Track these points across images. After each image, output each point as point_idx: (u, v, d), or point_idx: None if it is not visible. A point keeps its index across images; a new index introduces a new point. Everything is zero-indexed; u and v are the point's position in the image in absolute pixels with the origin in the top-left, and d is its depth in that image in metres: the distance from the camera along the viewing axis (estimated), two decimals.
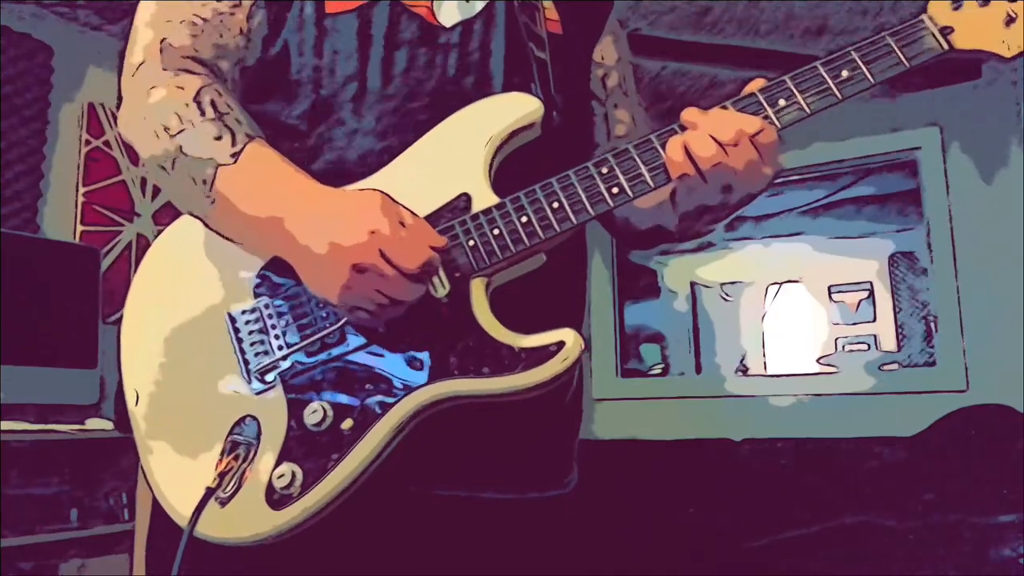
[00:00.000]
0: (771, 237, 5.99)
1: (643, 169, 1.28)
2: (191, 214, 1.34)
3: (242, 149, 1.26)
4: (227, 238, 1.32)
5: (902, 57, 1.26)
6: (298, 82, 1.39)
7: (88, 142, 4.48)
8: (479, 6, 1.45)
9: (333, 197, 1.24)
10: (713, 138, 1.23)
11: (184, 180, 1.28)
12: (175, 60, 1.35)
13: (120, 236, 4.53)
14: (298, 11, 1.41)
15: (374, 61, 1.38)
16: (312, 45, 1.40)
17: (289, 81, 1.40)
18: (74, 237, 4.38)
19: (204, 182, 1.26)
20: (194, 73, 1.34)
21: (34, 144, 4.28)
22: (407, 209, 1.23)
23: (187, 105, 1.29)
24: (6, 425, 3.55)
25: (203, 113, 1.29)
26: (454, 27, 1.42)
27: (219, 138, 1.27)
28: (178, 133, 1.28)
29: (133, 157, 4.50)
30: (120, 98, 1.38)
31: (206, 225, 1.33)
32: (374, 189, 1.23)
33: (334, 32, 1.40)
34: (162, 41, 1.36)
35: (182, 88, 1.31)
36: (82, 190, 4.44)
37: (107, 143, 4.53)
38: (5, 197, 4.12)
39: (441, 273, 1.24)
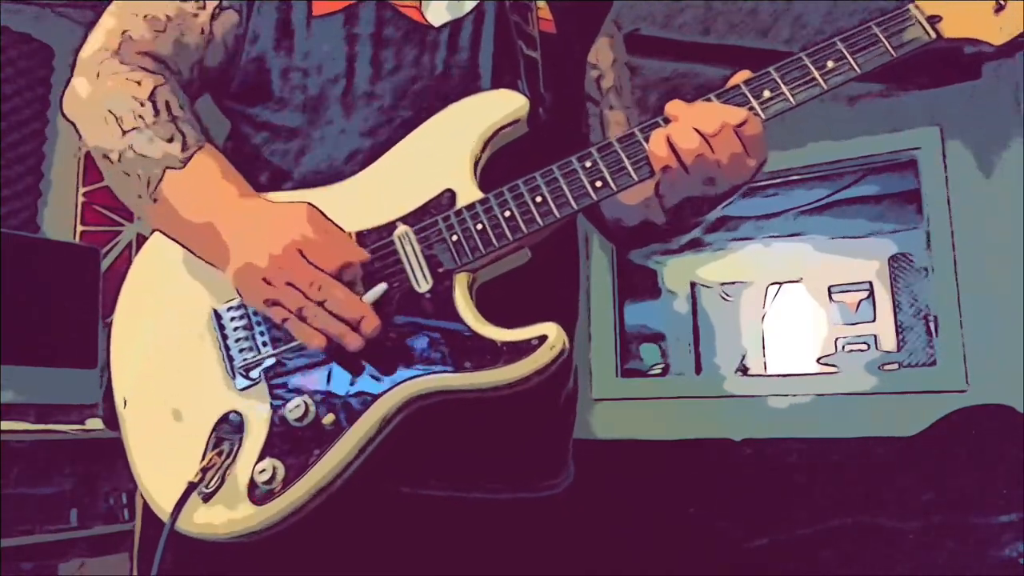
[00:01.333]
0: (771, 237, 5.97)
1: (627, 163, 1.27)
2: (127, 205, 1.37)
3: (192, 155, 1.29)
4: (172, 239, 1.35)
5: (888, 47, 1.25)
6: (286, 83, 1.41)
7: None
8: (469, 6, 1.45)
9: (262, 210, 1.27)
10: (696, 130, 1.23)
11: (130, 176, 1.31)
12: (132, 55, 1.37)
13: (120, 236, 4.54)
14: (284, 13, 1.42)
15: (362, 61, 1.39)
16: (299, 46, 1.41)
17: (277, 82, 1.41)
18: (74, 237, 4.39)
19: (150, 182, 1.29)
20: (150, 71, 1.36)
21: (34, 144, 4.29)
22: (335, 224, 1.25)
23: (142, 104, 1.31)
24: (6, 425, 3.55)
25: (157, 113, 1.31)
26: (442, 27, 1.42)
27: (171, 140, 1.30)
28: (131, 130, 1.30)
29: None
30: (71, 76, 1.40)
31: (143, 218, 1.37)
32: (303, 202, 1.26)
33: (321, 32, 1.41)
34: (123, 32, 1.38)
35: (138, 84, 1.33)
36: (82, 190, 4.45)
37: None
38: (5, 197, 4.13)
39: (424, 268, 1.25)
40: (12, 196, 4.17)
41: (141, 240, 4.47)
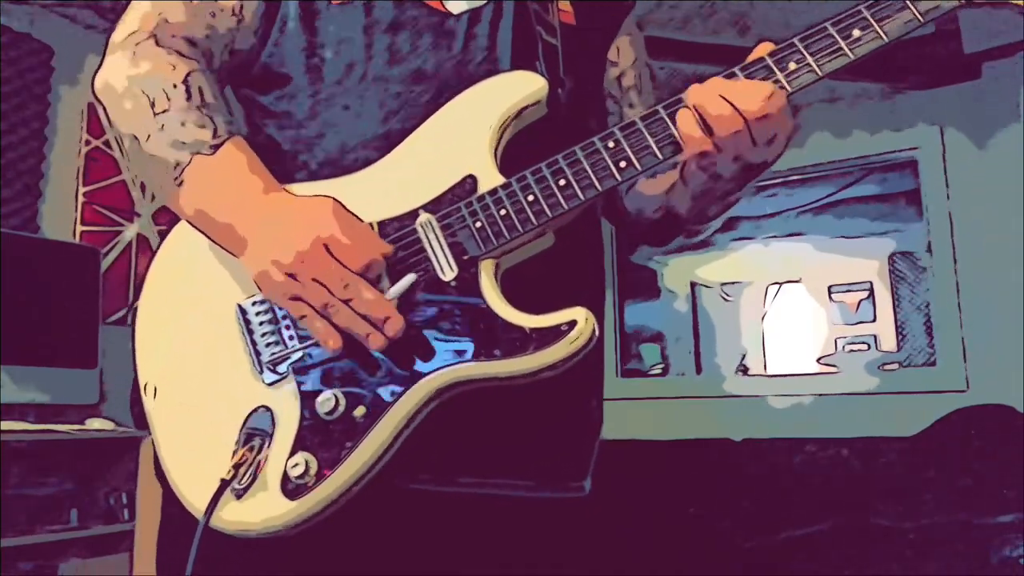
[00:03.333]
0: (771, 237, 5.98)
1: (651, 142, 1.25)
2: (150, 188, 1.37)
3: (222, 143, 1.29)
4: (188, 220, 1.34)
5: (916, 12, 1.20)
6: (303, 70, 1.40)
7: (88, 142, 4.48)
8: None
9: (287, 204, 1.26)
10: (732, 105, 1.21)
11: (156, 158, 1.30)
12: (169, 38, 1.37)
13: (120, 236, 4.53)
14: (304, 0, 1.42)
15: (379, 47, 1.38)
16: (317, 33, 1.41)
17: (294, 69, 1.41)
18: (74, 237, 4.38)
19: (177, 165, 1.28)
20: (185, 56, 1.35)
21: (34, 144, 4.28)
22: (357, 218, 1.24)
23: (175, 86, 1.31)
24: (6, 425, 3.54)
25: (189, 97, 1.31)
26: (461, 14, 1.42)
27: (203, 126, 1.29)
28: (162, 112, 1.29)
29: (95, 127, 4.50)
30: (103, 58, 1.39)
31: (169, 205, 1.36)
32: (327, 196, 1.25)
33: (339, 19, 1.40)
34: (159, 15, 1.38)
35: (173, 68, 1.33)
36: (82, 190, 4.44)
37: (107, 143, 4.52)
38: (5, 197, 4.12)
39: (449, 256, 1.24)
40: (12, 196, 4.16)
41: (141, 240, 4.52)
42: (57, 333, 4.04)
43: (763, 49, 1.26)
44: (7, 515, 3.53)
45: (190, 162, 1.28)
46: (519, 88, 1.31)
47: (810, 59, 1.23)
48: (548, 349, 1.18)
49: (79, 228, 4.41)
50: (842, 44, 1.22)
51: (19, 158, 4.21)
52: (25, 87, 4.27)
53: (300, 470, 1.18)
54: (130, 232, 4.56)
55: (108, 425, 3.91)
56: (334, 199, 1.25)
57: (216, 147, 1.28)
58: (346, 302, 1.19)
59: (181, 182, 1.29)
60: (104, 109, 1.37)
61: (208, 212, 1.29)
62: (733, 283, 6.16)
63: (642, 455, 4.74)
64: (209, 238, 1.31)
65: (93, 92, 1.39)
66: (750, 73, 1.24)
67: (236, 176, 1.29)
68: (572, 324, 1.19)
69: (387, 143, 1.34)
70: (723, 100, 1.22)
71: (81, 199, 4.43)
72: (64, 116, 4.42)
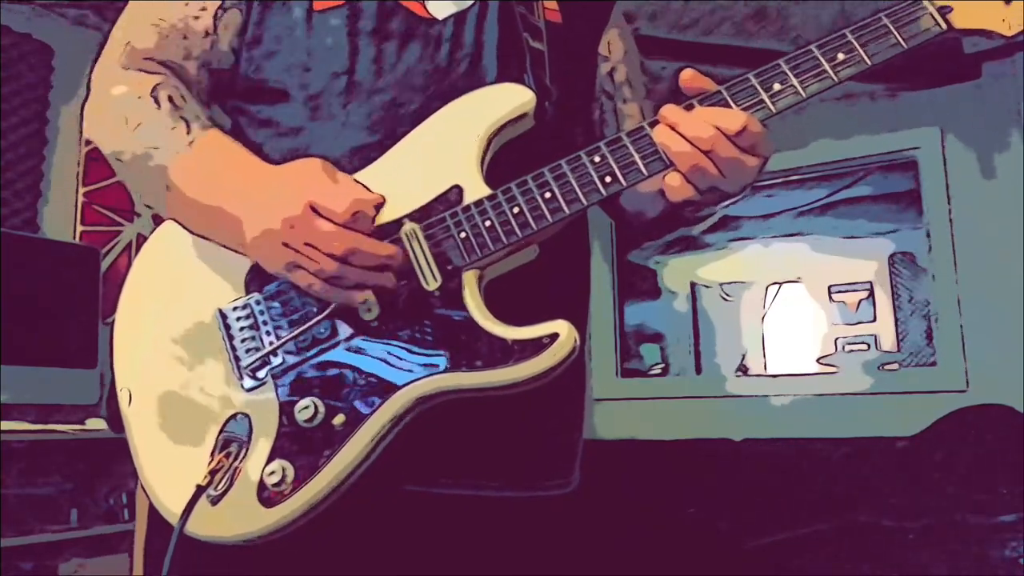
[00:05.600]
0: (771, 237, 5.97)
1: (636, 157, 1.25)
2: (151, 207, 1.39)
3: (196, 137, 1.30)
4: (188, 229, 1.35)
5: (899, 38, 1.21)
6: (288, 79, 1.40)
7: (88, 142, 4.48)
8: None
9: (272, 172, 1.27)
10: (690, 142, 1.21)
11: (142, 171, 1.32)
12: (135, 61, 1.40)
13: (120, 236, 4.54)
14: (286, 9, 1.42)
15: (364, 55, 1.38)
16: (301, 42, 1.40)
17: (279, 79, 1.41)
18: (74, 237, 4.39)
19: (159, 170, 1.29)
20: (151, 72, 1.38)
21: (34, 144, 4.30)
22: (343, 173, 1.25)
23: (142, 99, 1.33)
24: (6, 425, 3.55)
25: (159, 106, 1.33)
26: (446, 19, 1.41)
27: (174, 128, 1.31)
28: (136, 126, 1.32)
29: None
30: (87, 95, 1.43)
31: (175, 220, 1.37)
32: (311, 157, 1.26)
33: (323, 28, 1.40)
34: (127, 44, 1.41)
35: (139, 84, 1.36)
36: (82, 190, 4.45)
37: None
38: (5, 197, 4.13)
39: (433, 266, 1.24)
40: (12, 196, 4.18)
41: (141, 240, 4.51)
42: (57, 333, 4.05)
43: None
44: (7, 515, 3.54)
45: (170, 164, 1.29)
46: (507, 101, 1.31)
47: (794, 80, 1.23)
48: (529, 361, 1.18)
49: (79, 228, 4.42)
50: (826, 66, 1.22)
51: (19, 158, 4.22)
52: (25, 87, 4.28)
53: (277, 478, 1.18)
54: (130, 232, 4.58)
55: None
56: (321, 158, 1.25)
57: (191, 143, 1.30)
58: (344, 260, 1.19)
59: (168, 186, 1.30)
60: (94, 141, 1.41)
61: (196, 202, 1.29)
62: (733, 283, 6.15)
63: (642, 455, 4.74)
64: (205, 238, 1.32)
65: (84, 134, 1.44)
66: (736, 93, 1.24)
67: (215, 161, 1.30)
68: (554, 337, 1.19)
69: (373, 153, 1.33)
70: (688, 144, 1.21)
71: (81, 199, 4.45)
72: (64, 116, 4.43)
